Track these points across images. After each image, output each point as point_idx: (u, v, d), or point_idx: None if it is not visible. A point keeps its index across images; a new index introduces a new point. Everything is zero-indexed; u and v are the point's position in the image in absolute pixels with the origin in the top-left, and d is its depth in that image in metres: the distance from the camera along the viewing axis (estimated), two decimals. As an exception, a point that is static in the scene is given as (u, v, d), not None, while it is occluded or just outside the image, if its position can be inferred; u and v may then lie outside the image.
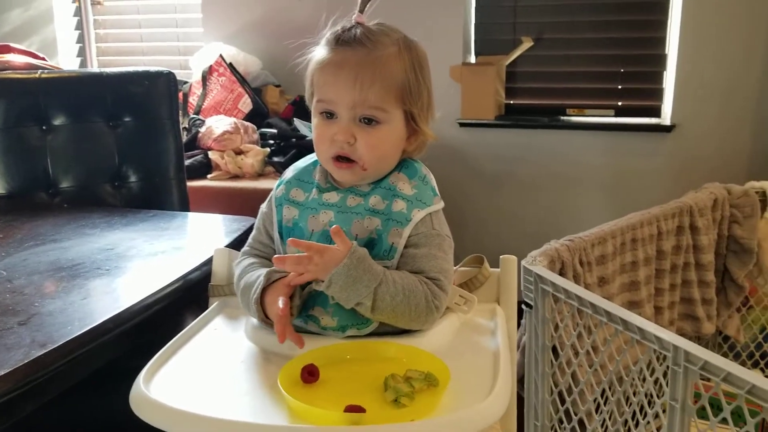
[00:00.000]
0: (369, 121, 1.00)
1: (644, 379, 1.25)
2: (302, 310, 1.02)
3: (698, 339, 2.09)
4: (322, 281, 0.95)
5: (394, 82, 0.99)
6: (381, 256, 1.00)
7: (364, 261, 0.94)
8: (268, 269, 1.02)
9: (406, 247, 1.01)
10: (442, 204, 1.06)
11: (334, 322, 1.00)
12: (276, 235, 1.09)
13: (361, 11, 1.03)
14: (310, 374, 0.87)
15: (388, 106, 1.00)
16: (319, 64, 1.01)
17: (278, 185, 1.11)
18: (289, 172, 1.12)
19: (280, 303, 0.95)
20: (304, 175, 1.09)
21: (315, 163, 1.10)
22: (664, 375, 1.15)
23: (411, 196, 1.02)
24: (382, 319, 0.97)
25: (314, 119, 1.04)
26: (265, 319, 1.00)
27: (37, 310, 1.06)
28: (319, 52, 1.02)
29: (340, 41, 1.00)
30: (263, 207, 1.14)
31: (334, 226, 0.95)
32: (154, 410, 0.82)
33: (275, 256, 0.99)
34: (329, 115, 1.01)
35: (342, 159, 1.01)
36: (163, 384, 0.89)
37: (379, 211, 1.01)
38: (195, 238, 1.55)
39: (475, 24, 2.97)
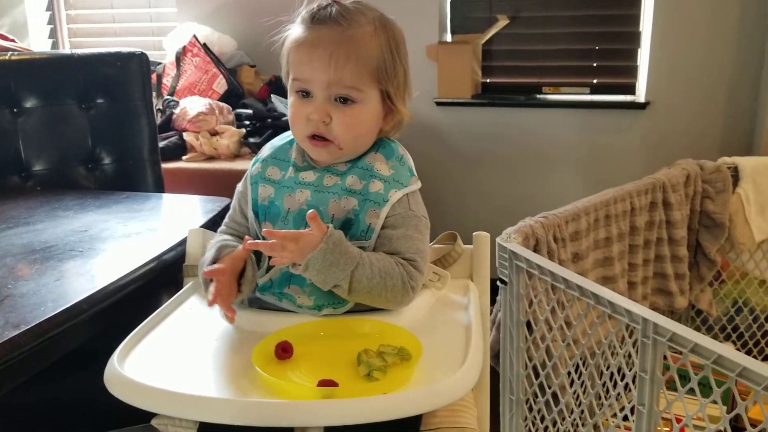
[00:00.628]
0: (344, 101, 1.00)
1: (615, 353, 1.27)
2: (277, 286, 1.02)
3: (671, 313, 2.13)
4: (299, 265, 0.95)
5: (369, 61, 0.99)
6: (358, 237, 1.01)
7: (340, 244, 0.94)
8: (221, 244, 1.03)
9: (382, 228, 1.01)
10: (419, 184, 1.06)
11: (311, 301, 1.01)
12: (250, 214, 1.09)
13: None
14: (284, 351, 0.88)
15: (364, 85, 0.99)
16: (294, 43, 1.00)
17: (254, 163, 1.11)
18: (266, 150, 1.12)
19: (217, 265, 0.97)
20: (281, 153, 1.09)
21: (291, 141, 1.10)
22: (634, 347, 1.17)
23: (388, 176, 1.03)
24: (358, 300, 0.98)
25: (290, 98, 1.04)
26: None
27: (10, 292, 1.06)
28: (295, 30, 1.01)
29: (315, 19, 0.99)
30: (239, 186, 1.14)
31: (309, 211, 0.94)
32: (128, 388, 0.83)
33: (248, 240, 0.99)
34: (305, 94, 1.01)
35: (318, 138, 1.01)
36: (138, 362, 0.89)
37: (356, 191, 1.01)
38: (169, 219, 1.55)
39: (450, 2, 2.96)
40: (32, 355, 0.95)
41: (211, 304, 0.96)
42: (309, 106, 1.00)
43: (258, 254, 1.03)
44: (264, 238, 0.96)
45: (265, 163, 1.09)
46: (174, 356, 0.93)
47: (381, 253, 0.99)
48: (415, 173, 1.07)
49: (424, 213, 1.06)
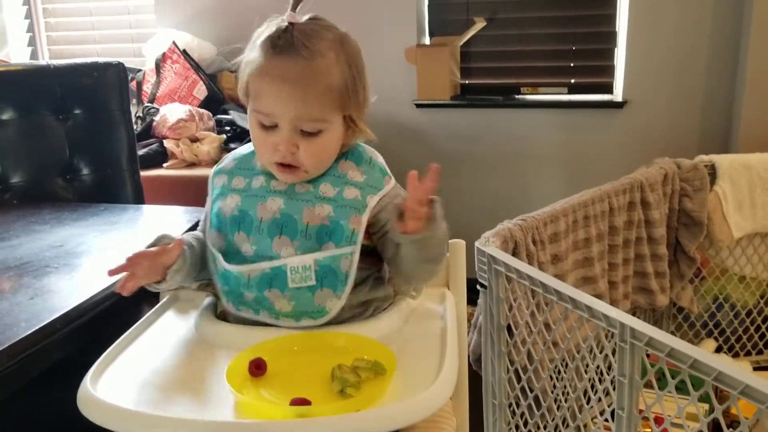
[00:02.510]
0: (307, 132, 0.99)
1: (594, 356, 1.28)
2: (256, 287, 1.00)
3: (653, 311, 2.14)
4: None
5: (334, 90, 0.98)
6: (342, 243, 1.00)
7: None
8: (161, 234, 1.05)
9: (381, 226, 1.02)
10: (392, 183, 1.06)
11: (290, 306, 0.99)
12: (207, 224, 1.08)
13: (294, 9, 1.00)
14: (257, 368, 0.88)
15: (329, 115, 0.99)
16: (257, 72, 0.98)
17: (217, 173, 1.10)
18: (230, 162, 1.11)
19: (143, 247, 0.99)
20: (245, 164, 1.09)
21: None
22: (613, 352, 1.18)
23: (362, 182, 1.03)
24: (434, 265, 1.03)
25: (253, 125, 1.02)
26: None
27: (-17, 312, 1.05)
28: (254, 55, 0.99)
29: (276, 47, 0.97)
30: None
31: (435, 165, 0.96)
32: (101, 410, 0.82)
33: None
34: (267, 125, 1.00)
35: (285, 165, 1.01)
36: (111, 383, 0.89)
37: (330, 198, 1.01)
38: (146, 232, 1.54)
39: (428, 5, 2.96)
40: (5, 376, 0.94)
41: (110, 273, 0.97)
42: (275, 137, 0.99)
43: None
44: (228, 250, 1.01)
45: (231, 174, 1.08)
46: (148, 375, 0.92)
47: None
48: (388, 172, 1.07)
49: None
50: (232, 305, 1.04)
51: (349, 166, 1.05)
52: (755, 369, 2.17)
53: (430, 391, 0.83)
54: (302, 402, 0.79)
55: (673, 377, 1.06)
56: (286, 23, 0.98)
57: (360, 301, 1.04)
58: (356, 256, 1.00)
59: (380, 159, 1.09)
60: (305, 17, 1.00)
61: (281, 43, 0.96)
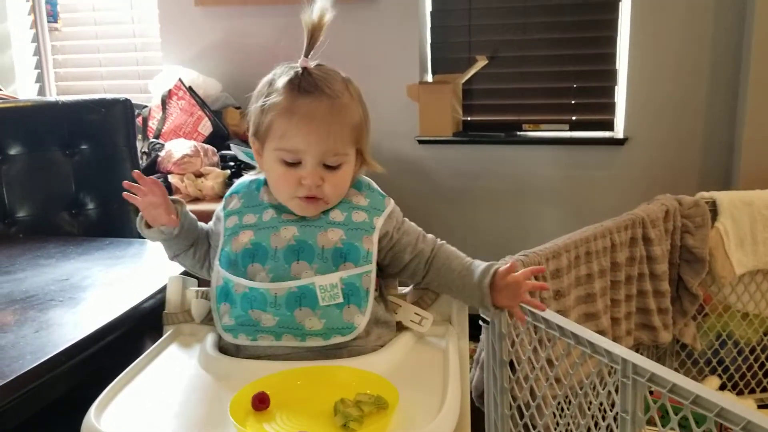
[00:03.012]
0: (330, 166, 1.06)
1: (597, 393, 1.28)
2: (285, 307, 1.03)
3: (656, 348, 2.14)
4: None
5: (353, 126, 1.06)
6: (361, 262, 1.06)
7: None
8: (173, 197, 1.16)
9: (391, 246, 1.13)
10: (391, 202, 1.14)
11: (321, 324, 1.03)
12: (216, 261, 1.11)
13: (307, 56, 1.07)
14: (260, 402, 0.88)
15: (348, 149, 1.07)
16: (283, 112, 1.04)
17: (228, 215, 1.14)
18: (236, 203, 1.15)
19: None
20: (252, 201, 1.13)
21: (258, 185, 1.14)
22: (616, 388, 1.18)
23: (367, 206, 1.11)
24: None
25: (274, 163, 1.07)
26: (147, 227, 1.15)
27: (-12, 345, 1.06)
28: (277, 98, 1.04)
29: (300, 89, 1.04)
30: (211, 225, 1.20)
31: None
32: (104, 444, 0.83)
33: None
34: (291, 161, 1.05)
35: (310, 198, 1.06)
36: (115, 416, 0.89)
37: (340, 223, 1.08)
38: (150, 266, 1.54)
39: (430, 44, 3.00)
40: (10, 409, 0.94)
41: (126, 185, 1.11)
42: (300, 172, 1.05)
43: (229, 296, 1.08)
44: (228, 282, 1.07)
45: (240, 213, 1.12)
46: (152, 409, 0.93)
47: (446, 258, 1.16)
48: (384, 194, 1.15)
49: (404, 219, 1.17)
50: (245, 336, 1.05)
51: (352, 192, 1.12)
52: (759, 407, 2.16)
53: (432, 426, 0.83)
54: (305, 436, 0.79)
55: (675, 413, 1.06)
56: (300, 68, 1.06)
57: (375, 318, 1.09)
58: (374, 274, 1.07)
59: (374, 183, 1.17)
60: (313, 63, 1.08)
61: (305, 85, 1.04)
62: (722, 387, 2.23)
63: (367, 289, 1.06)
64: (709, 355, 2.24)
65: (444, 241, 1.19)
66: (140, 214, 1.15)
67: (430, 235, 1.19)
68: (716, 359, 2.24)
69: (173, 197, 1.15)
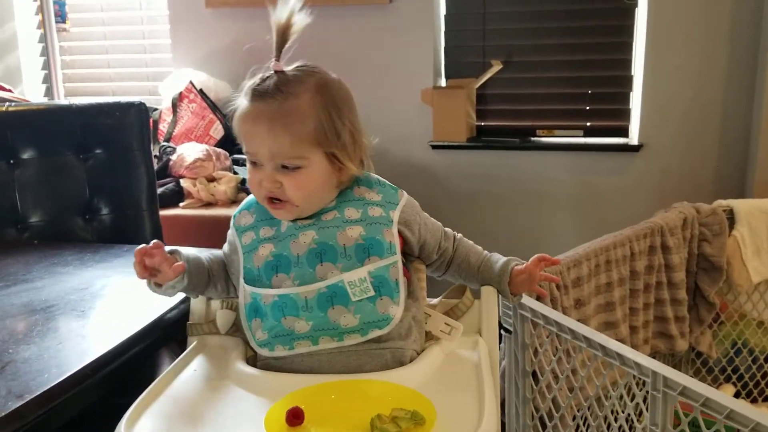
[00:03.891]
0: (287, 168, 1.04)
1: (624, 404, 1.26)
2: (317, 308, 1.03)
3: (672, 356, 2.12)
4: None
5: (306, 129, 1.03)
6: (385, 255, 1.06)
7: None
8: (171, 249, 1.10)
9: (427, 252, 1.19)
10: (404, 193, 1.14)
11: (356, 320, 1.03)
12: (241, 281, 1.10)
13: (278, 59, 1.06)
14: (295, 417, 0.87)
15: (306, 152, 1.04)
16: (239, 116, 1.06)
17: (243, 231, 1.12)
18: (249, 218, 1.14)
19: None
20: (265, 214, 1.12)
21: None
22: (644, 399, 1.16)
23: (381, 200, 1.11)
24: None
25: (248, 165, 1.09)
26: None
27: (11, 358, 1.04)
28: (240, 102, 1.06)
29: (255, 93, 1.04)
30: (225, 250, 1.17)
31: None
32: (137, 460, 0.81)
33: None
34: (255, 163, 1.07)
35: (274, 200, 1.06)
36: (146, 430, 0.88)
37: (357, 220, 1.07)
38: (171, 274, 1.53)
39: (445, 48, 2.99)
40: (36, 425, 0.93)
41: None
42: (261, 174, 1.05)
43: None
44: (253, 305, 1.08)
45: (256, 227, 1.11)
46: (183, 422, 0.91)
47: (465, 254, 1.21)
48: (395, 186, 1.15)
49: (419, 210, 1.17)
50: (282, 347, 1.04)
51: (363, 190, 1.12)
52: (776, 416, 2.14)
53: (473, 444, 0.82)
54: (345, 455, 0.77)
55: (708, 427, 1.05)
56: (271, 71, 1.06)
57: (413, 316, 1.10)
58: (400, 265, 1.07)
59: (384, 180, 1.16)
60: (293, 65, 1.07)
61: (260, 89, 1.04)
62: (737, 395, 2.22)
63: (396, 280, 1.06)
64: (724, 363, 2.23)
65: (461, 235, 1.24)
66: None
67: (448, 230, 1.23)
68: (731, 367, 2.24)
69: (168, 249, 1.11)
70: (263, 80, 1.05)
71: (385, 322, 1.04)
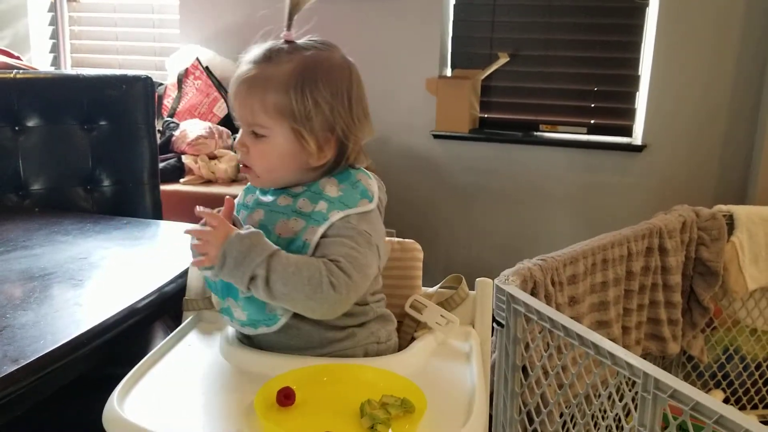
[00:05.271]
0: (256, 135, 1.05)
1: (613, 403, 1.27)
2: (221, 294, 1.06)
3: (663, 359, 2.13)
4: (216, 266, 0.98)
5: (273, 100, 1.02)
6: (295, 252, 1.00)
7: (257, 234, 0.98)
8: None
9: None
10: (369, 207, 1.05)
11: (245, 315, 1.03)
12: None
13: (288, 28, 1.06)
14: (286, 397, 0.87)
15: (270, 122, 1.03)
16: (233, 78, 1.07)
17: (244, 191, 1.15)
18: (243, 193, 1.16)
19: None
20: None
21: None
22: (633, 400, 1.17)
23: (334, 198, 1.04)
24: (280, 299, 0.96)
25: None
26: None
27: (9, 323, 1.05)
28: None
29: (249, 57, 1.05)
30: None
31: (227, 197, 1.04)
32: (128, 431, 0.82)
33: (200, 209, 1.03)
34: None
35: (244, 165, 1.08)
36: (137, 403, 0.88)
37: (305, 213, 1.03)
38: (170, 249, 1.53)
39: (452, 37, 2.98)
40: (29, 390, 0.93)
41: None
42: (239, 136, 1.08)
43: None
44: None
45: (247, 190, 1.14)
46: (174, 397, 0.92)
47: (304, 255, 1.00)
48: (371, 197, 1.06)
49: (369, 230, 1.03)
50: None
51: (330, 182, 1.06)
52: (762, 423, 2.16)
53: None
54: (334, 437, 0.78)
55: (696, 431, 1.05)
56: (282, 40, 1.06)
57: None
58: None
59: (372, 186, 1.08)
60: (307, 37, 1.07)
61: (255, 54, 1.05)
62: (725, 401, 2.23)
63: None
64: (715, 368, 2.24)
65: (342, 262, 0.98)
66: None
67: (347, 252, 0.99)
68: (721, 373, 2.24)
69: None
70: (267, 47, 1.05)
71: (273, 322, 1.02)
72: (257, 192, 1.11)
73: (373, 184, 1.08)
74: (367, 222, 1.03)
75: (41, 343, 0.98)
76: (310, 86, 1.02)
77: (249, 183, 1.13)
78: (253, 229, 0.99)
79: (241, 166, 1.09)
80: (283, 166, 1.06)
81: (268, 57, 1.03)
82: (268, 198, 1.08)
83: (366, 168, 1.11)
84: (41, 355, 0.95)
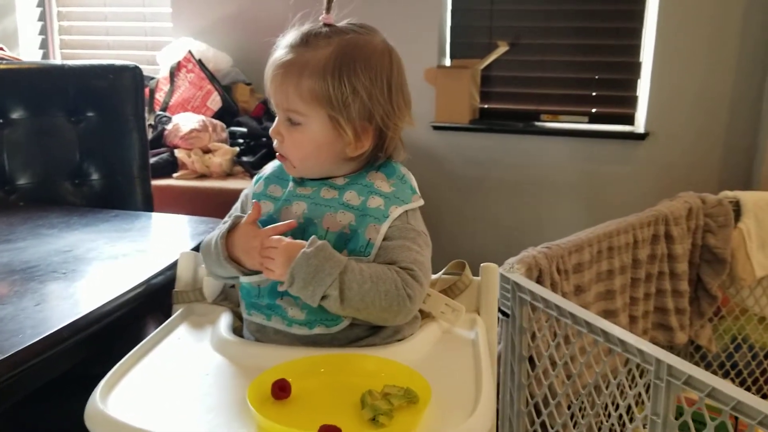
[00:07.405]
0: (291, 123, 1.01)
1: (624, 392, 1.22)
2: (267, 296, 0.99)
3: (671, 348, 2.09)
4: (285, 282, 0.93)
5: (309, 86, 0.98)
6: (357, 252, 0.97)
7: (324, 249, 0.93)
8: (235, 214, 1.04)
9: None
10: (420, 202, 1.04)
11: (303, 314, 0.97)
12: None
13: (327, 11, 1.02)
14: (281, 390, 0.82)
15: (306, 109, 0.99)
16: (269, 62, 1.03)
17: (257, 181, 1.09)
18: (268, 169, 1.10)
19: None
20: (282, 173, 1.07)
21: None
22: (645, 387, 1.12)
23: (389, 193, 1.01)
24: (352, 313, 0.94)
25: None
26: (229, 259, 1.00)
27: (-14, 317, 0.99)
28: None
29: (287, 42, 1.01)
30: (242, 196, 1.12)
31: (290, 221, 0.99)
32: (110, 428, 0.76)
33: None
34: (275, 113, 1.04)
35: (280, 154, 1.04)
36: (122, 399, 0.83)
37: (354, 207, 1.00)
38: (159, 241, 1.48)
39: (450, 27, 2.93)
40: (7, 386, 0.88)
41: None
42: (275, 123, 1.04)
43: None
44: None
45: (268, 180, 1.08)
46: (162, 392, 0.86)
47: (373, 263, 0.96)
48: (417, 192, 1.05)
49: (424, 230, 1.04)
50: (245, 309, 1.03)
51: (378, 176, 1.03)
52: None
53: (470, 422, 0.78)
54: (332, 430, 0.72)
55: (712, 419, 1.01)
56: (321, 23, 1.02)
57: None
58: None
59: (413, 180, 1.07)
60: (345, 21, 1.03)
61: (293, 39, 1.01)
62: (734, 391, 2.19)
63: None
64: (723, 358, 2.20)
65: (415, 271, 0.97)
66: (220, 240, 1.01)
67: (415, 258, 0.98)
68: (730, 362, 2.20)
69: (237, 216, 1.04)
70: (303, 32, 1.01)
71: (334, 323, 0.97)
72: (291, 182, 1.05)
73: (413, 179, 1.07)
74: (417, 219, 1.03)
75: (20, 337, 0.93)
76: (347, 72, 0.98)
77: (262, 172, 1.10)
78: (318, 243, 0.93)
79: (276, 154, 1.05)
80: (319, 155, 1.02)
81: (306, 41, 0.99)
82: (306, 189, 1.03)
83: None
84: (20, 349, 0.90)
